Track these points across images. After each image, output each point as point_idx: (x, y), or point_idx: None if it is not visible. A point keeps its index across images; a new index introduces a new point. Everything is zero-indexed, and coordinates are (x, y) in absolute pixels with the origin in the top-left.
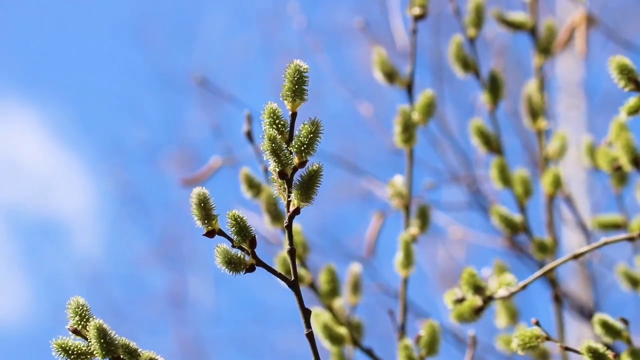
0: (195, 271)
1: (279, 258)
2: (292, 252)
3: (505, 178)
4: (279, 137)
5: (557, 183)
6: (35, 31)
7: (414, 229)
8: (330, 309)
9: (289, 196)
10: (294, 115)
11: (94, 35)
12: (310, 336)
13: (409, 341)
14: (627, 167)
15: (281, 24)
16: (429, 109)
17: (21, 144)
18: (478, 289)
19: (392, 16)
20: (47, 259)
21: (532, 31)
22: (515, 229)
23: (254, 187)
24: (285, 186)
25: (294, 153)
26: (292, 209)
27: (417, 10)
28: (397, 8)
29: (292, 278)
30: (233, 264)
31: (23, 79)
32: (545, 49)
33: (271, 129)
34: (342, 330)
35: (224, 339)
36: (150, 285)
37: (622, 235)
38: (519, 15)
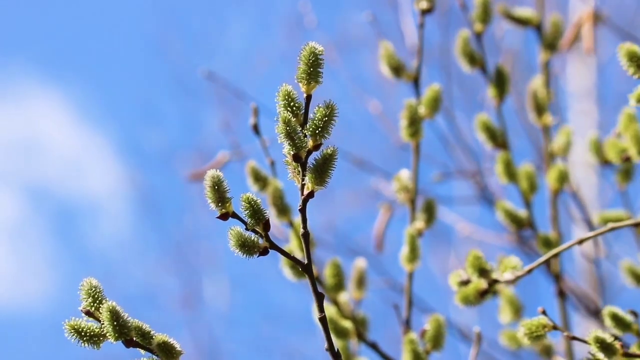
0: (210, 273)
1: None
2: (306, 236)
3: (510, 173)
4: (293, 119)
5: (562, 178)
6: (57, 21)
7: (419, 223)
8: (335, 302)
9: (303, 179)
10: (308, 97)
11: (115, 41)
12: (323, 320)
13: (414, 335)
14: (636, 157)
15: (301, 31)
16: (436, 103)
17: (44, 124)
18: (483, 271)
19: (402, 18)
20: (69, 243)
21: (538, 27)
22: (520, 224)
23: (260, 180)
24: (299, 169)
25: (308, 136)
26: (306, 192)
27: (424, 4)
28: (408, 9)
29: (306, 261)
30: (246, 246)
31: (46, 61)
32: (551, 45)
33: (286, 112)
34: (348, 324)
35: (239, 340)
36: (165, 287)
37: (629, 221)
38: (525, 11)
